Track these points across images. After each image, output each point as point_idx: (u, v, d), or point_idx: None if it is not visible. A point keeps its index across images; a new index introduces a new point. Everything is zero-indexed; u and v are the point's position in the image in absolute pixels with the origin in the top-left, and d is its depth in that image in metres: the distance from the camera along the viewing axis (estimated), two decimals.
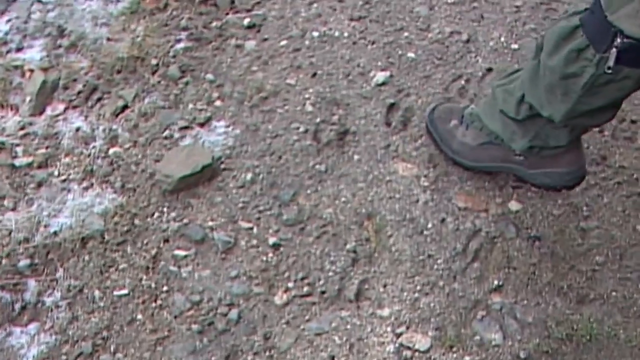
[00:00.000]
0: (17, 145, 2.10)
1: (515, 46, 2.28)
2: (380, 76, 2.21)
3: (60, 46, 2.29)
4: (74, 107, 2.18)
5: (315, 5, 2.37)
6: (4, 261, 1.91)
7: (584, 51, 1.55)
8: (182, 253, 1.93)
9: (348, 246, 1.94)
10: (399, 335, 1.82)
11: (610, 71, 1.52)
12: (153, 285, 1.89)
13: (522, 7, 2.37)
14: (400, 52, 2.27)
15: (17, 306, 1.87)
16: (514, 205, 2.00)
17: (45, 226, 1.97)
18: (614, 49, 1.49)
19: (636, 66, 1.53)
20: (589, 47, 1.53)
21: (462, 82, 2.21)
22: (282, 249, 1.94)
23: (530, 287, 1.89)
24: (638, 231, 1.96)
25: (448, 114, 2.06)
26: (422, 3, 2.38)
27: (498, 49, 2.28)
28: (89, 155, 2.09)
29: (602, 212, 2.00)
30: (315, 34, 2.31)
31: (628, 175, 2.05)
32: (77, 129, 2.14)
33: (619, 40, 1.48)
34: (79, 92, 2.20)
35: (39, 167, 2.07)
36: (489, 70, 2.23)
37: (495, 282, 1.89)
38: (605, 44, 1.50)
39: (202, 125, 2.14)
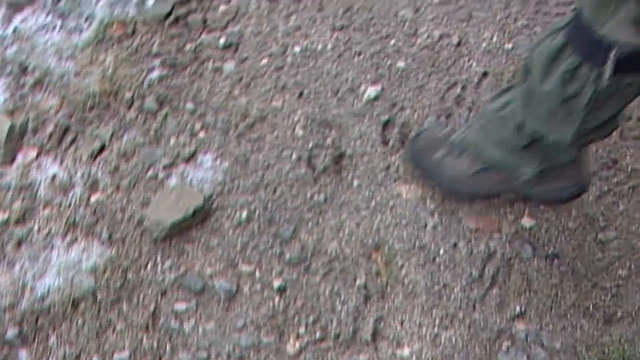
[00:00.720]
0: None
1: (508, 46, 2.16)
2: (371, 91, 2.08)
3: (24, 85, 2.11)
4: (47, 152, 2.02)
5: (293, 17, 2.22)
6: None
7: (578, 69, 1.42)
8: (182, 306, 1.81)
9: (358, 282, 1.83)
10: None
11: (610, 83, 1.40)
12: (155, 344, 1.77)
13: (512, 2, 2.24)
14: (389, 62, 2.14)
15: None
16: (527, 222, 1.90)
17: (31, 289, 1.83)
18: (611, 61, 1.37)
19: (637, 72, 1.42)
20: (582, 64, 1.41)
21: (458, 90, 2.09)
22: (288, 291, 1.82)
23: (554, 310, 1.79)
24: None
25: (433, 144, 1.91)
26: (406, 6, 2.24)
27: (491, 50, 2.15)
28: (70, 205, 1.94)
29: (619, 220, 1.90)
30: (297, 48, 2.17)
31: None
32: (53, 177, 1.98)
33: (614, 51, 1.36)
34: (51, 135, 2.04)
35: (17, 222, 1.92)
36: (485, 74, 2.11)
37: (517, 308, 1.79)
38: (600, 58, 1.37)
39: (187, 161, 2.00)
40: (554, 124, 1.56)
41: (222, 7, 2.24)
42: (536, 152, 1.70)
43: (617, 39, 1.34)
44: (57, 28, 2.20)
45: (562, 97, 1.48)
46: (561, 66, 1.44)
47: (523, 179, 1.78)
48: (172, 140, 2.03)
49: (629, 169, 1.97)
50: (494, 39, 2.18)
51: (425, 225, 1.90)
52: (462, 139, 1.85)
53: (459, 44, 2.17)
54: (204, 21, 2.21)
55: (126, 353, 1.76)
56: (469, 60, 2.14)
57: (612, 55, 1.36)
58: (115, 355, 1.75)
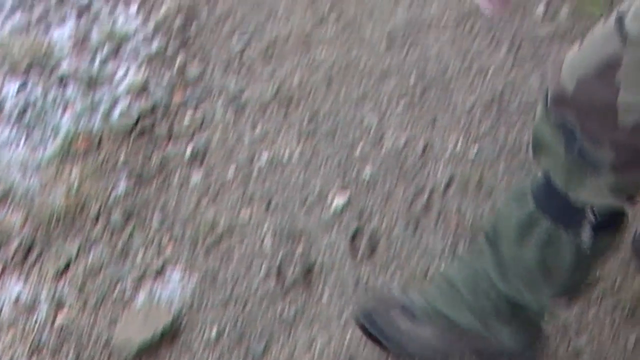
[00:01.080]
0: None
1: (474, 150, 2.18)
2: (339, 199, 2.08)
3: None
4: (12, 269, 1.99)
5: (259, 126, 2.24)
6: None
7: (555, 234, 1.37)
8: None
9: None
10: None
11: (590, 244, 1.36)
12: None
13: (475, 106, 2.27)
14: (356, 169, 2.15)
15: None
16: None
17: None
18: (588, 224, 1.34)
19: (615, 229, 1.40)
20: (558, 229, 1.37)
21: (425, 196, 2.09)
22: None
23: None
24: (629, 349, 1.86)
25: (385, 312, 1.77)
26: (371, 111, 2.27)
27: (457, 155, 2.17)
28: (35, 326, 1.90)
29: (590, 327, 1.90)
30: (264, 158, 2.17)
31: (610, 284, 1.95)
32: (18, 296, 1.95)
33: (590, 213, 1.33)
34: (15, 252, 2.01)
35: None
36: (451, 180, 2.12)
37: None
38: (577, 221, 1.34)
39: (155, 276, 1.97)
40: (531, 289, 1.51)
41: (188, 118, 2.25)
42: (513, 313, 1.61)
43: (593, 203, 1.31)
44: (22, 142, 2.19)
45: (540, 264, 1.43)
46: (535, 233, 1.40)
47: (501, 343, 1.68)
48: (140, 256, 2.00)
49: (597, 273, 1.97)
50: (459, 143, 2.20)
51: None
52: (425, 305, 1.73)
53: (424, 149, 2.19)
54: (170, 132, 2.22)
55: None
56: (435, 166, 2.16)
57: (588, 217, 1.33)
58: None
